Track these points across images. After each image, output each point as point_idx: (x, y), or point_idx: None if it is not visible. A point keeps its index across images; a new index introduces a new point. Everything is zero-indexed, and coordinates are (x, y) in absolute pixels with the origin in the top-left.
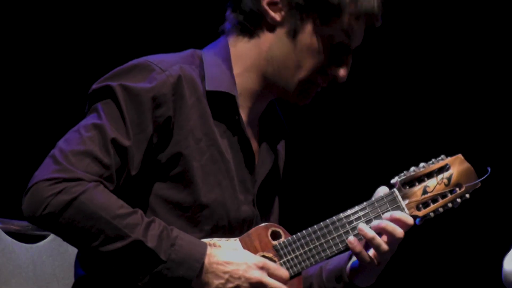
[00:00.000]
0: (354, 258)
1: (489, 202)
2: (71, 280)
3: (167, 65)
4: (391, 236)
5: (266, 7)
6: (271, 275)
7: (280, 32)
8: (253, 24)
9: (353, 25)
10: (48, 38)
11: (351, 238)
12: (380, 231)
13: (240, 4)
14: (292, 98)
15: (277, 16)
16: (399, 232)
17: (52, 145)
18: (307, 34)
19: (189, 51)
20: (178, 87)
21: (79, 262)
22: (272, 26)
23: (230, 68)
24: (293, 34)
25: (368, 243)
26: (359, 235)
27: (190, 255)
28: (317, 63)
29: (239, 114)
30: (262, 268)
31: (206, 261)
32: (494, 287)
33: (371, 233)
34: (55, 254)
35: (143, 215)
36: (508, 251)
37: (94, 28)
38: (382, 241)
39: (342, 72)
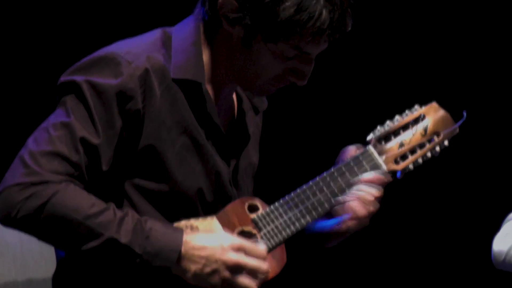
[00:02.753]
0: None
1: (479, 184)
2: None
3: (134, 56)
4: (368, 199)
5: (221, 18)
6: (248, 254)
7: (237, 43)
8: (214, 27)
9: (305, 45)
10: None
11: (340, 198)
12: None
13: (204, 5)
14: (256, 94)
15: (231, 29)
16: (374, 192)
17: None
18: (260, 50)
19: (159, 34)
20: (145, 79)
21: None
22: (229, 35)
23: (199, 53)
24: (248, 47)
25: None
26: (343, 194)
27: (166, 246)
28: (273, 75)
29: (206, 101)
30: (238, 249)
31: (183, 248)
32: (484, 267)
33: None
34: None
35: (115, 210)
36: (497, 231)
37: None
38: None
39: (300, 82)
